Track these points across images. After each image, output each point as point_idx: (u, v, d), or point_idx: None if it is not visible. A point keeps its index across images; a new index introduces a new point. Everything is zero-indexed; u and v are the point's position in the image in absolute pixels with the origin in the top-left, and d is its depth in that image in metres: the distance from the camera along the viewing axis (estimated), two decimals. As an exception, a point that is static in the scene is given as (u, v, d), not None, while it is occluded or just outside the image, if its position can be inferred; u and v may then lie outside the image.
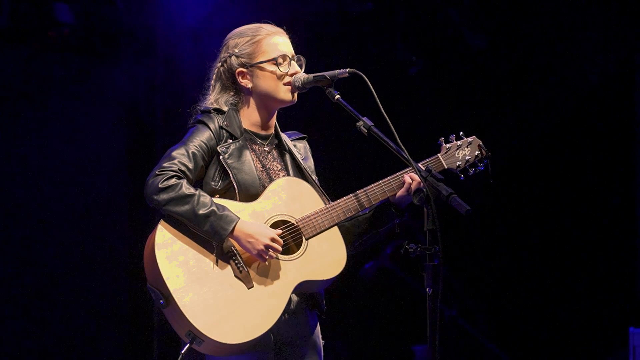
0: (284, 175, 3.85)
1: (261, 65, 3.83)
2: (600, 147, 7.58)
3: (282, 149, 3.92)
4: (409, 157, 3.61)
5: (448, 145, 3.96)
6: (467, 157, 3.96)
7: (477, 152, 3.98)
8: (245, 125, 3.86)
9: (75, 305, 6.76)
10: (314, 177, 3.93)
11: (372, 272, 7.36)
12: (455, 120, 7.53)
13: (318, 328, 3.88)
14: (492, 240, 7.93)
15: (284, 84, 3.83)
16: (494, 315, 7.93)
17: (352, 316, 7.40)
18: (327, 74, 3.78)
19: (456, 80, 7.80)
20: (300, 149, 3.99)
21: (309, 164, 3.97)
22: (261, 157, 3.85)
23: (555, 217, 7.76)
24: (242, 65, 3.85)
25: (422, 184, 3.60)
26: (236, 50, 3.85)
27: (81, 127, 6.84)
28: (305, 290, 3.77)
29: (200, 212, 3.60)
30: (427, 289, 3.47)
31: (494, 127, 7.64)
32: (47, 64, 6.72)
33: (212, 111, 3.83)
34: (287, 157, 3.90)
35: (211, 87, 3.91)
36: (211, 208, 3.61)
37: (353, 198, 3.82)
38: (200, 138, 3.76)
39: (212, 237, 3.62)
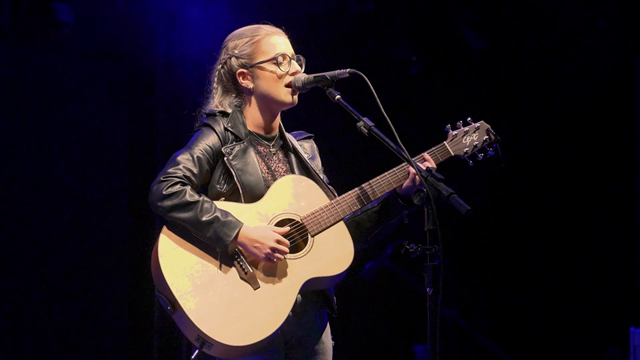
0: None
1: (261, 65, 3.82)
2: (600, 147, 7.58)
3: (287, 149, 3.90)
4: (409, 157, 3.60)
5: (454, 132, 3.93)
6: (475, 143, 3.93)
7: (485, 137, 3.94)
8: (250, 126, 3.85)
9: (75, 305, 6.75)
10: (322, 176, 3.91)
11: (373, 272, 7.36)
12: (455, 121, 7.52)
13: (328, 328, 3.86)
14: (493, 240, 7.93)
15: (285, 85, 3.82)
16: (495, 315, 7.93)
17: (352, 316, 7.40)
18: (327, 74, 3.77)
19: (456, 81, 7.80)
20: (307, 148, 3.97)
21: (316, 163, 3.95)
22: (266, 159, 3.84)
23: (556, 216, 7.76)
24: (243, 66, 3.84)
25: (422, 182, 3.59)
26: (236, 52, 3.85)
27: (81, 127, 6.84)
28: (314, 288, 3.75)
29: (203, 218, 3.59)
30: (428, 289, 3.47)
31: (494, 127, 7.63)
32: (48, 64, 6.71)
33: (218, 114, 3.81)
34: (293, 157, 3.89)
35: (213, 90, 3.89)
36: (214, 214, 3.60)
37: (358, 191, 3.80)
38: (206, 142, 3.75)
39: (215, 243, 3.61)
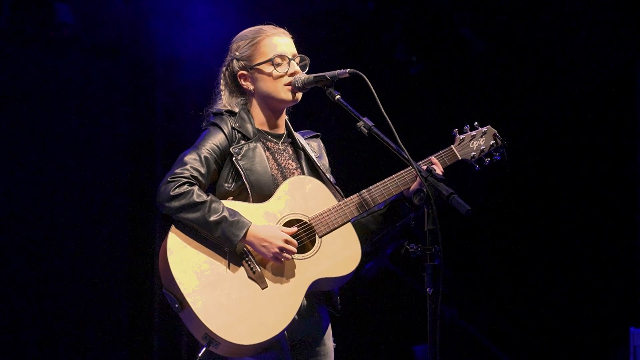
0: (299, 174, 3.85)
1: (259, 67, 3.83)
2: (600, 147, 7.58)
3: (296, 147, 3.91)
4: (409, 157, 3.61)
5: (462, 136, 3.95)
6: (482, 147, 3.94)
7: (492, 142, 3.96)
8: (257, 125, 3.86)
9: (75, 305, 6.76)
10: (329, 175, 3.92)
11: (373, 272, 7.36)
12: (454, 121, 7.52)
13: (330, 330, 3.87)
14: (493, 240, 7.93)
15: (285, 85, 3.82)
16: (495, 315, 7.93)
17: (352, 316, 7.39)
18: (327, 74, 3.77)
19: (456, 81, 7.80)
20: (315, 147, 3.98)
21: (323, 162, 3.96)
22: (276, 155, 3.85)
23: (556, 217, 7.75)
24: (243, 68, 3.85)
25: (422, 183, 3.59)
26: (237, 54, 3.86)
27: (81, 127, 6.84)
28: (321, 288, 3.76)
29: (212, 218, 3.60)
30: (428, 289, 3.47)
31: (494, 127, 7.62)
32: (48, 64, 6.72)
33: (225, 113, 3.83)
34: (302, 155, 3.90)
35: (221, 92, 3.90)
36: (222, 214, 3.61)
37: (366, 193, 3.81)
38: (213, 141, 3.75)
39: (223, 243, 3.62)
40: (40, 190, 6.67)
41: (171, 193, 3.62)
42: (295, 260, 3.69)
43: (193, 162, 3.69)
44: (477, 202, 7.30)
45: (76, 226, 6.79)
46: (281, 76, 3.82)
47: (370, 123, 3.69)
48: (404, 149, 3.60)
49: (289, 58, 3.84)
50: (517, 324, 7.86)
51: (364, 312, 7.60)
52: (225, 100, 3.88)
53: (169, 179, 3.65)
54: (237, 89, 3.89)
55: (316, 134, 4.04)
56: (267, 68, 3.82)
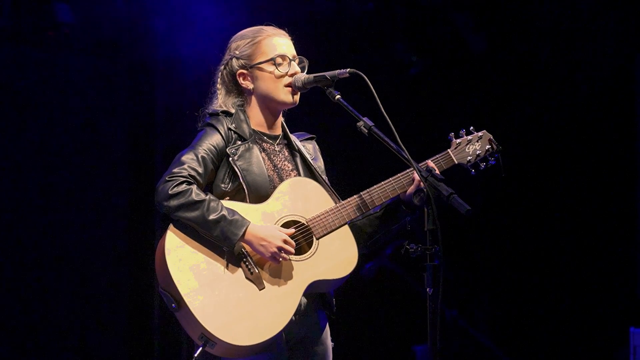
0: (295, 176, 3.85)
1: (260, 66, 3.84)
2: (600, 147, 7.58)
3: (292, 148, 3.92)
4: (409, 157, 3.61)
5: (458, 140, 3.96)
6: (478, 152, 3.96)
7: (487, 147, 3.98)
8: (253, 125, 3.86)
9: (75, 305, 6.76)
10: (324, 177, 3.93)
11: (373, 272, 7.36)
12: (454, 121, 7.51)
13: (327, 329, 3.88)
14: (493, 240, 7.93)
15: (285, 85, 3.83)
16: (495, 315, 7.93)
17: (352, 316, 7.40)
18: (327, 74, 3.77)
19: (456, 81, 7.80)
20: (310, 149, 3.99)
21: (318, 164, 3.97)
22: (272, 156, 3.85)
23: (556, 217, 7.75)
24: (243, 66, 3.86)
25: (422, 184, 3.60)
26: (237, 52, 3.87)
27: (81, 127, 6.84)
28: (317, 290, 3.77)
29: (210, 217, 3.60)
30: (428, 289, 3.48)
31: (493, 128, 7.62)
32: (48, 64, 6.72)
33: (220, 114, 3.83)
34: (298, 157, 3.91)
35: (218, 90, 3.91)
36: (221, 213, 3.61)
37: (363, 196, 3.81)
38: (209, 141, 3.76)
39: (222, 242, 3.62)
40: (39, 190, 6.67)
41: (170, 192, 3.62)
42: (292, 262, 3.69)
43: (190, 161, 3.69)
44: (477, 202, 7.31)
45: (76, 226, 6.79)
46: (282, 76, 3.83)
47: (370, 123, 3.70)
48: (404, 149, 3.60)
49: (289, 59, 3.85)
50: (517, 324, 7.86)
51: (364, 312, 7.60)
52: (221, 100, 3.88)
53: (167, 178, 3.65)
54: (234, 88, 3.89)
55: (311, 136, 4.05)
56: (268, 67, 3.83)
